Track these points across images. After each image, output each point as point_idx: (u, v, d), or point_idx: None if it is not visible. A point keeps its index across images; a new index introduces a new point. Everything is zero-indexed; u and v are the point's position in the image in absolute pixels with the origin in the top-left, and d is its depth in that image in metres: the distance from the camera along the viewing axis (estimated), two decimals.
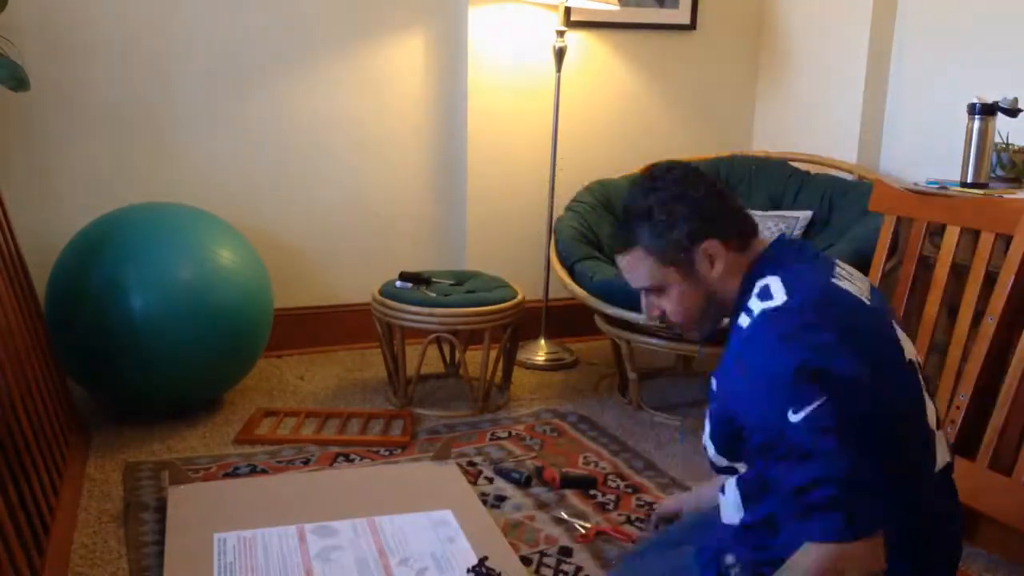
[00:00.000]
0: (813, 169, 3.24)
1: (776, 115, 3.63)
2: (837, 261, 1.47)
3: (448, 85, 3.35)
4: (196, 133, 3.09)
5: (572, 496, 2.30)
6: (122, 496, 2.24)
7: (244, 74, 3.10)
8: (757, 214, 3.09)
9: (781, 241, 1.47)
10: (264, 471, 2.39)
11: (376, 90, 3.27)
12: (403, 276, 2.88)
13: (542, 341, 3.37)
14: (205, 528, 2.04)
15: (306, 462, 2.46)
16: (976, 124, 2.52)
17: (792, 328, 1.29)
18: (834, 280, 1.38)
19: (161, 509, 2.15)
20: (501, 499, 2.27)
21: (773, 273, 1.38)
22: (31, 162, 2.93)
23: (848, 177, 3.13)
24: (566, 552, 2.04)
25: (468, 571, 1.88)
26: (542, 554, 2.02)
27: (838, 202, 3.01)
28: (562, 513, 2.20)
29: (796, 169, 3.25)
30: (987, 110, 2.51)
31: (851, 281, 1.41)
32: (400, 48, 3.28)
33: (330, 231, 3.32)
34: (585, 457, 2.53)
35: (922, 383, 1.39)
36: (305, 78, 3.18)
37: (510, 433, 2.68)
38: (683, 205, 1.43)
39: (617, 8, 3.19)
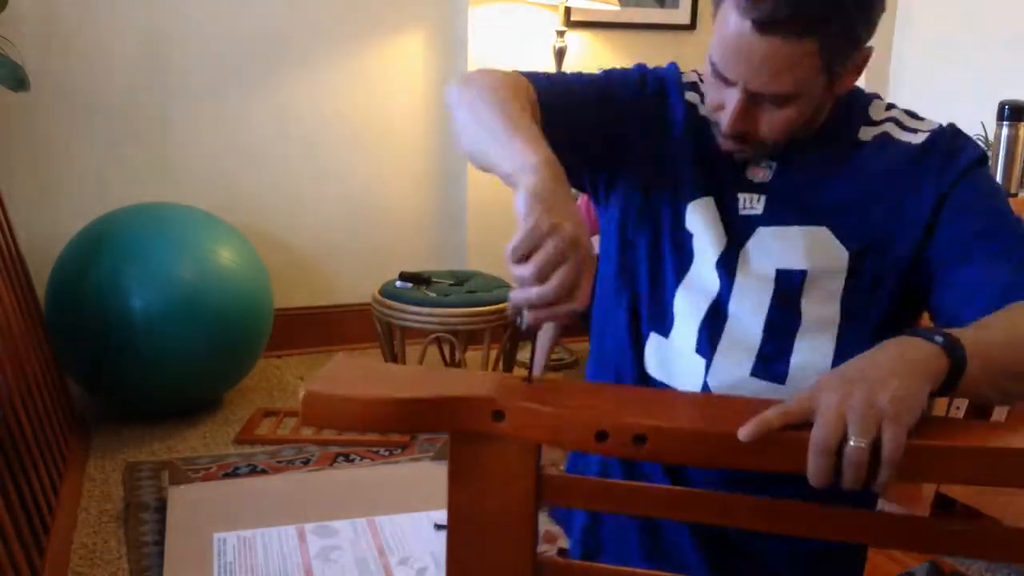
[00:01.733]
0: None
1: None
2: None
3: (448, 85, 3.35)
4: (196, 133, 3.09)
5: None
6: (122, 496, 2.24)
7: (244, 74, 3.10)
8: None
9: None
10: (264, 471, 2.39)
11: (376, 90, 3.27)
12: (403, 276, 2.88)
13: None
14: (205, 528, 2.04)
15: (306, 462, 2.46)
16: (1005, 131, 2.35)
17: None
18: None
19: (161, 509, 2.15)
20: None
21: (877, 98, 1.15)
22: (31, 162, 2.92)
23: None
24: (565, 552, 2.03)
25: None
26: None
27: None
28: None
29: None
30: (1017, 115, 2.32)
31: None
32: (400, 48, 3.28)
33: (330, 231, 3.32)
34: None
35: None
36: (305, 78, 3.18)
37: None
38: None
39: (617, 8, 3.19)
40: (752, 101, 1.02)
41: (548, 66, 3.26)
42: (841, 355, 1.05)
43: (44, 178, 2.95)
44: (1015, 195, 2.44)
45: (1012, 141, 2.37)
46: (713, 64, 1.03)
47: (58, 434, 2.25)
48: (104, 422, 2.66)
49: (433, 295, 2.80)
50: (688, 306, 1.11)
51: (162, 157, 3.06)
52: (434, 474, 2.37)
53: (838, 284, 1.06)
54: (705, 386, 1.09)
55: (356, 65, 3.23)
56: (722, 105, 1.05)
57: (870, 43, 1.04)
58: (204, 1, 3.01)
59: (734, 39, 0.99)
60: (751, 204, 1.10)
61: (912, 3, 3.07)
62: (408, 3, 3.25)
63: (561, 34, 3.17)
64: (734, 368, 1.08)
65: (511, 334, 2.85)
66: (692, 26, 3.55)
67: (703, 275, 1.11)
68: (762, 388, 1.07)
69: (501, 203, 3.41)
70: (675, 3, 3.51)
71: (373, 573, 1.89)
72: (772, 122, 1.04)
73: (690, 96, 1.17)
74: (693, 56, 3.57)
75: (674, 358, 1.12)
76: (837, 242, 1.06)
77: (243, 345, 2.70)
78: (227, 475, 2.36)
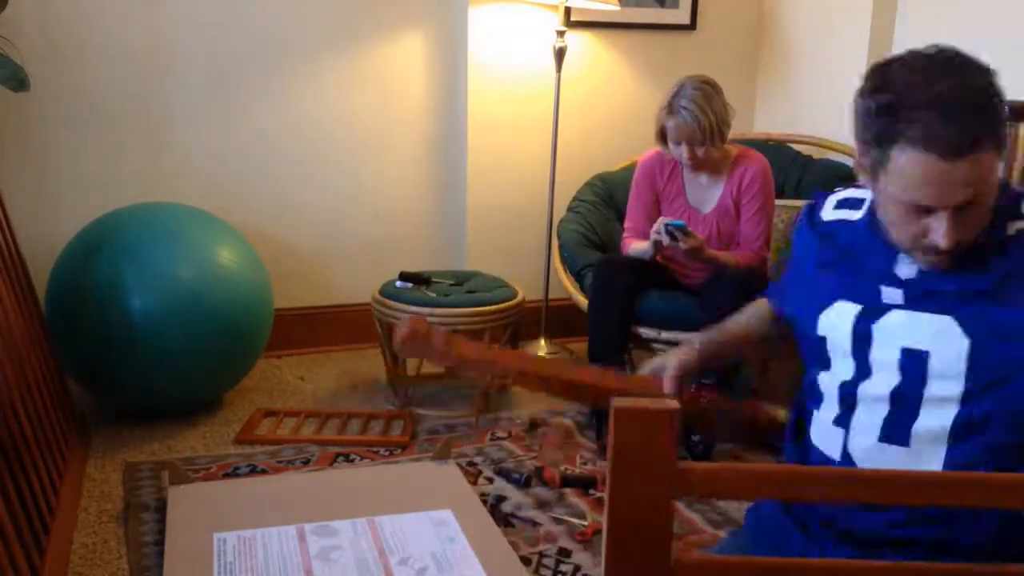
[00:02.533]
0: (816, 153, 3.24)
1: (777, 115, 3.63)
2: None
3: (448, 85, 3.35)
4: (196, 133, 3.09)
5: (571, 495, 2.30)
6: (122, 496, 2.24)
7: (244, 74, 3.10)
8: None
9: None
10: (264, 471, 2.39)
11: (376, 90, 3.27)
12: (403, 276, 2.88)
13: (542, 341, 3.37)
14: (205, 528, 2.04)
15: (306, 462, 2.46)
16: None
17: None
18: None
19: (161, 509, 2.15)
20: (501, 499, 2.27)
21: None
22: (31, 162, 2.93)
23: (850, 162, 3.13)
24: (565, 552, 2.04)
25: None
26: (541, 555, 2.02)
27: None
28: (561, 514, 2.21)
29: (798, 154, 3.24)
30: (1017, 115, 2.32)
31: None
32: (400, 48, 3.28)
33: (330, 231, 3.32)
34: (585, 457, 2.54)
35: None
36: (305, 78, 3.18)
37: (510, 433, 2.68)
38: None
39: (617, 8, 3.19)
40: (958, 214, 1.13)
41: (548, 66, 3.26)
42: (957, 423, 1.19)
43: (44, 178, 2.95)
44: None
45: (1012, 141, 2.37)
46: (905, 204, 1.14)
47: (58, 434, 2.25)
48: (104, 422, 2.66)
49: (433, 295, 2.80)
50: (827, 387, 1.32)
51: (162, 157, 3.07)
52: (434, 474, 2.37)
53: (959, 369, 1.18)
54: (845, 453, 1.28)
55: (356, 65, 3.23)
56: (924, 232, 1.15)
57: None
58: (204, 1, 3.01)
59: (927, 174, 1.10)
60: (891, 296, 1.24)
61: (912, 3, 3.06)
62: (408, 3, 3.25)
63: (561, 34, 3.17)
64: (865, 437, 1.26)
65: (511, 334, 2.85)
66: (692, 26, 3.55)
67: (838, 364, 1.29)
68: (890, 451, 1.23)
69: (501, 203, 3.42)
70: (675, 3, 3.51)
71: (373, 573, 1.89)
72: (973, 223, 1.15)
73: (838, 214, 1.38)
74: (693, 56, 3.58)
75: (824, 430, 1.32)
76: (960, 330, 1.17)
77: (243, 345, 2.70)
78: (227, 475, 2.36)
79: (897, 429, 1.22)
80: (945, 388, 1.18)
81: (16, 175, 2.90)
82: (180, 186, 3.06)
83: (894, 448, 1.22)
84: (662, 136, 2.65)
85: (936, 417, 1.19)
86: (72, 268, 2.56)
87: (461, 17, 3.27)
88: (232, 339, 2.63)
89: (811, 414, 1.35)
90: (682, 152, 2.59)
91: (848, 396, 1.27)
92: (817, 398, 1.33)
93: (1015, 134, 2.41)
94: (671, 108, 2.56)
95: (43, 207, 2.95)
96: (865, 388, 1.26)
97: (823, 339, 1.30)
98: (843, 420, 1.28)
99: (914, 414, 1.21)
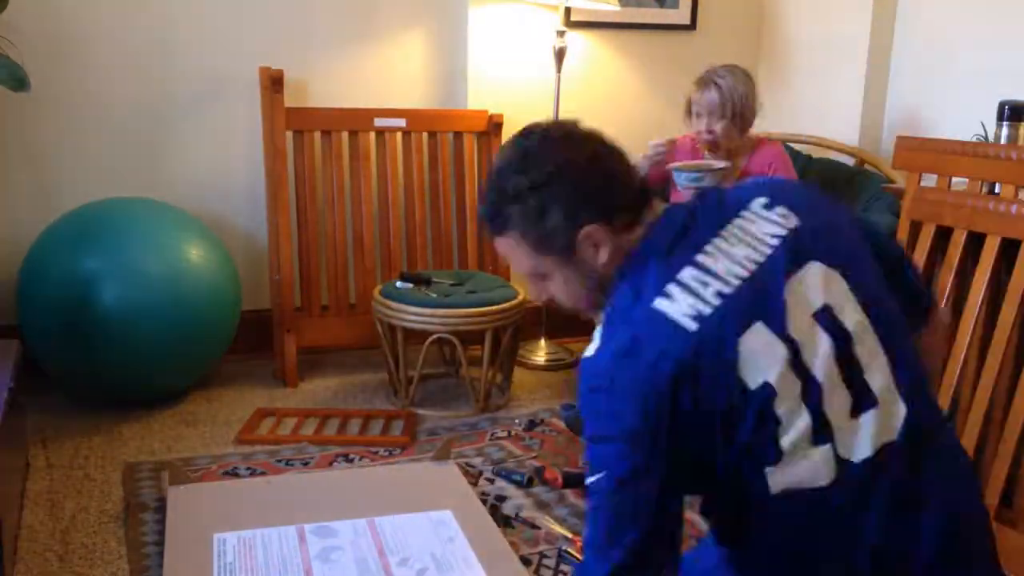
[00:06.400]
0: (816, 152, 3.24)
1: (776, 114, 3.62)
2: (724, 228, 1.23)
3: (448, 85, 3.35)
4: (196, 133, 3.08)
5: (571, 495, 2.30)
6: (122, 496, 2.24)
7: (244, 74, 3.10)
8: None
9: (668, 218, 1.26)
10: (264, 471, 2.39)
11: (376, 90, 3.27)
12: (403, 276, 2.88)
13: (542, 341, 3.37)
14: (205, 528, 2.04)
15: (306, 463, 2.45)
16: (1005, 131, 2.33)
17: (583, 391, 1.25)
18: (664, 293, 1.18)
19: (161, 509, 2.15)
20: (501, 499, 2.27)
21: (622, 280, 1.25)
22: (32, 162, 2.92)
23: (850, 161, 3.12)
24: (566, 554, 2.04)
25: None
26: (541, 555, 2.02)
27: (843, 192, 3.02)
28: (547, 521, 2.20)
29: (798, 153, 3.24)
30: (1017, 115, 2.30)
31: (718, 260, 1.19)
32: (400, 48, 3.27)
33: (331, 231, 3.31)
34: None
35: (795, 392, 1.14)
36: (306, 78, 3.17)
37: (510, 433, 2.68)
38: (559, 185, 1.22)
39: (617, 8, 3.19)
40: (530, 279, 1.37)
41: (548, 66, 3.25)
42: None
43: (44, 177, 2.94)
44: None
45: (1012, 141, 2.36)
46: None
47: None
48: (104, 422, 2.65)
49: (434, 295, 2.80)
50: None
51: (162, 158, 3.06)
52: (434, 474, 2.37)
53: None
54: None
55: (355, 65, 3.23)
56: None
57: (588, 228, 1.25)
58: (204, 1, 3.00)
59: None
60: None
61: (912, 2, 3.06)
62: (408, 3, 3.25)
63: (561, 34, 3.17)
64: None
65: (512, 334, 2.85)
66: (692, 26, 3.55)
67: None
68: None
69: None
70: (675, 3, 3.51)
71: (373, 573, 1.89)
72: (552, 293, 1.38)
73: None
74: (693, 56, 3.57)
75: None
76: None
77: (207, 341, 2.76)
78: (227, 475, 2.36)
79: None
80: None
81: (16, 175, 2.90)
82: (181, 187, 3.06)
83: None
84: (688, 110, 2.71)
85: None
86: (46, 261, 2.61)
87: (461, 17, 3.27)
88: (196, 334, 2.69)
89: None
90: (701, 125, 2.65)
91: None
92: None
93: (1015, 134, 2.39)
94: (703, 81, 2.65)
95: (44, 207, 2.94)
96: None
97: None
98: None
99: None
